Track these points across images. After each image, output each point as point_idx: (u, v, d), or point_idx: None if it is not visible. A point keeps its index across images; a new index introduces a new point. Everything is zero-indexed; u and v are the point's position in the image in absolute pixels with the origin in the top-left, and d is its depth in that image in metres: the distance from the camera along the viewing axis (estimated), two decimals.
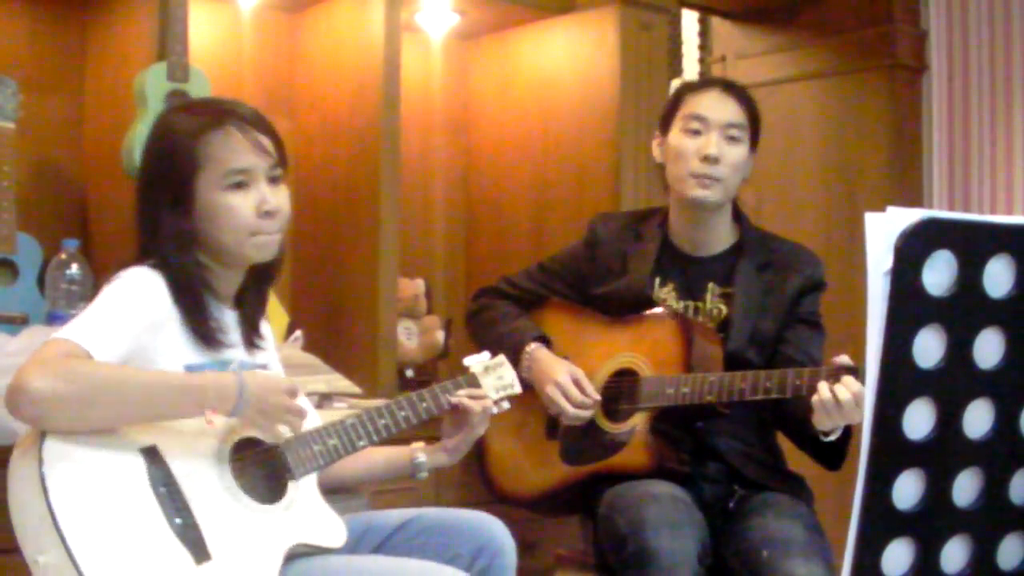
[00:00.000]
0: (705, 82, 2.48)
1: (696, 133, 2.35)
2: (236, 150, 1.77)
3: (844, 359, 2.06)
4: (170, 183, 1.77)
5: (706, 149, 2.32)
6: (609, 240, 2.47)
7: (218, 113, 1.79)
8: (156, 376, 1.66)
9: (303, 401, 1.83)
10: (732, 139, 2.35)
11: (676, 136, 2.38)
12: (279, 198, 1.81)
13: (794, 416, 2.20)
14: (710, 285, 2.38)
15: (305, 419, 1.81)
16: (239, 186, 1.77)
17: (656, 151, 2.45)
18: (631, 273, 2.42)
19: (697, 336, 2.31)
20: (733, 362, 2.28)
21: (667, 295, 2.40)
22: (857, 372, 2.02)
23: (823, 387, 2.02)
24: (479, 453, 2.55)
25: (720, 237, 2.42)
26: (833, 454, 2.16)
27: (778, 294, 2.35)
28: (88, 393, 1.56)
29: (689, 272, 2.40)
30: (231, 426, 1.73)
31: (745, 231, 2.43)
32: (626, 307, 2.40)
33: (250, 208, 1.77)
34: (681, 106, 2.39)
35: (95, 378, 1.57)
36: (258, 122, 1.81)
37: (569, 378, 2.34)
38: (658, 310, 2.38)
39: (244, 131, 1.78)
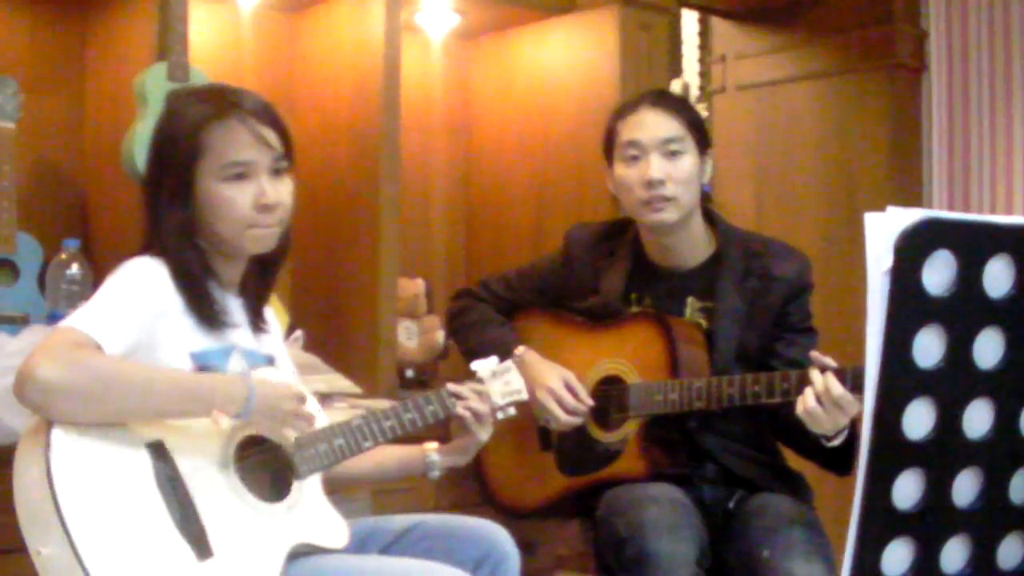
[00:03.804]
0: (631, 104, 2.37)
1: (635, 159, 2.29)
2: (237, 142, 1.77)
3: (828, 360, 1.98)
4: (172, 170, 1.78)
5: (647, 174, 2.26)
6: (582, 254, 2.43)
7: (223, 104, 1.79)
8: (165, 375, 1.67)
9: (312, 405, 1.84)
10: (672, 154, 2.27)
11: (618, 167, 2.32)
12: (279, 191, 1.81)
13: (794, 425, 2.12)
14: (689, 299, 2.33)
15: (313, 424, 1.82)
16: (238, 178, 1.78)
17: (609, 184, 2.39)
18: (603, 293, 2.38)
19: (679, 339, 2.27)
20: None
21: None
22: (842, 372, 1.97)
23: (808, 395, 1.97)
24: (477, 468, 2.54)
25: (695, 249, 2.35)
26: (839, 459, 2.11)
27: (762, 305, 2.29)
28: (96, 386, 1.56)
29: (666, 286, 2.35)
30: (237, 424, 1.73)
31: (722, 237, 2.36)
32: (601, 320, 2.38)
33: (247, 201, 1.78)
34: (616, 135, 2.34)
35: (104, 372, 1.58)
36: (263, 114, 1.80)
37: (562, 383, 2.31)
38: (636, 311, 2.35)
39: (247, 124, 1.78)
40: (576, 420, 2.32)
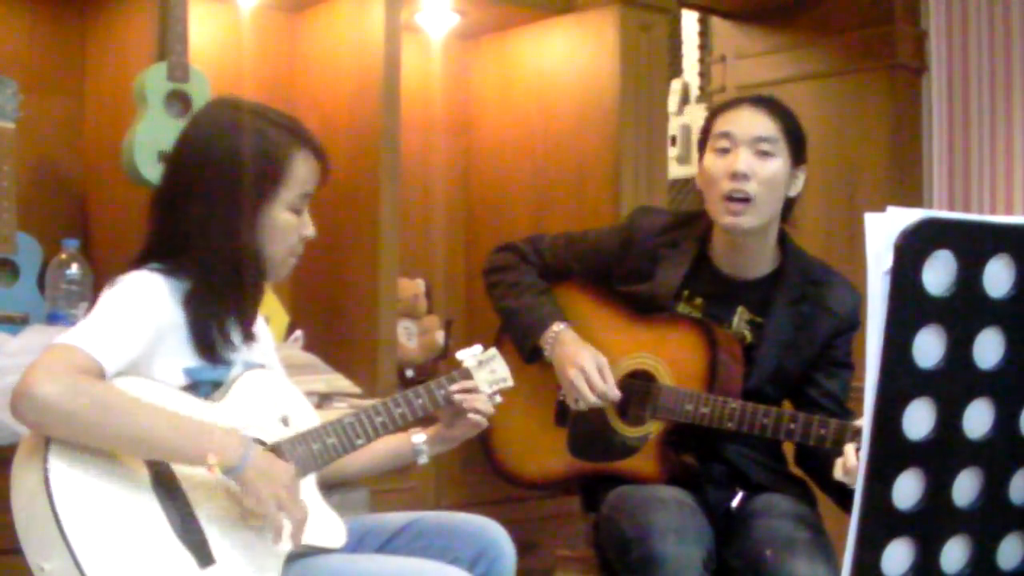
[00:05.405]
0: (735, 100, 2.38)
1: (725, 151, 2.26)
2: (312, 175, 1.85)
3: None
4: (250, 189, 1.78)
5: (733, 166, 2.23)
6: (644, 240, 2.39)
7: (303, 134, 1.85)
8: (164, 416, 1.62)
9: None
10: (763, 154, 2.24)
11: (708, 158, 2.30)
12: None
13: (823, 461, 2.14)
14: (740, 309, 2.32)
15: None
16: (296, 209, 1.83)
17: (698, 179, 2.36)
18: (657, 281, 2.36)
19: (722, 354, 2.26)
20: (749, 395, 2.25)
21: (692, 310, 2.34)
22: None
23: (850, 454, 1.97)
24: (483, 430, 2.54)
25: (760, 261, 2.34)
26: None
27: (809, 332, 2.29)
28: (94, 415, 1.55)
29: (721, 291, 2.34)
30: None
31: (786, 257, 2.35)
32: (646, 312, 2.37)
33: (298, 231, 1.85)
34: (712, 127, 2.32)
35: (104, 403, 1.56)
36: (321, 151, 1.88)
37: (595, 365, 2.30)
38: (684, 314, 2.34)
39: (319, 158, 1.86)
40: (601, 402, 2.31)
